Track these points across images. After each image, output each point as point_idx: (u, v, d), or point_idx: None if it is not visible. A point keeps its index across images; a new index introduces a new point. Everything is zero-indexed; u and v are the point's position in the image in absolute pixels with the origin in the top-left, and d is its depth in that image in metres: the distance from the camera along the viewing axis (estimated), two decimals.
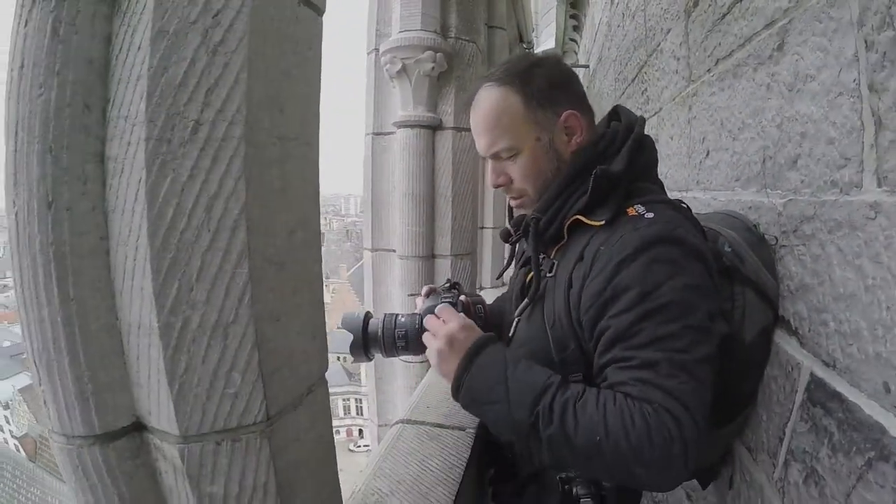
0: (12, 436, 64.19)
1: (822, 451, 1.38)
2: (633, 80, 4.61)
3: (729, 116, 2.15)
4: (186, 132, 1.01)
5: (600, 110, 1.86)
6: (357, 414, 70.89)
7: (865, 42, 1.21)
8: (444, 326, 1.73)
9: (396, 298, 4.70)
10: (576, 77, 1.88)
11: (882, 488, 1.14)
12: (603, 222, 1.59)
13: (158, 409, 1.10)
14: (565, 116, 1.76)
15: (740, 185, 2.01)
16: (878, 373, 1.17)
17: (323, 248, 1.53)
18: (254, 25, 1.04)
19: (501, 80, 1.77)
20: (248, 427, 1.13)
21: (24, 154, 1.00)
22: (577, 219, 1.67)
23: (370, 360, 2.07)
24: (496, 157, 1.80)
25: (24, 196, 1.00)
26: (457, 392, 1.64)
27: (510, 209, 2.04)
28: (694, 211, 1.73)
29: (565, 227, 1.70)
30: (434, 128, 4.48)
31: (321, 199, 1.37)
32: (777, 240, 1.69)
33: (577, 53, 14.20)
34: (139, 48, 1.00)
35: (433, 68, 4.25)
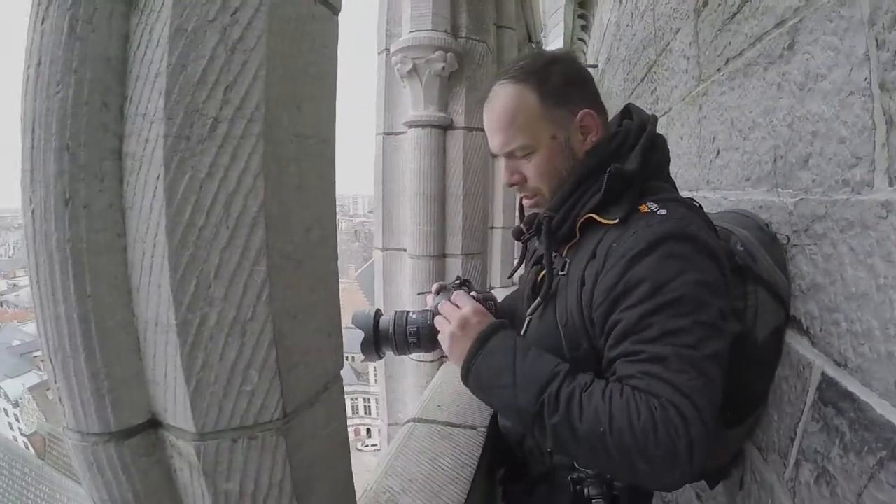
0: (21, 434, 64.36)
1: (833, 451, 1.37)
2: (642, 80, 4.60)
3: (739, 116, 2.14)
4: (205, 129, 1.01)
5: (609, 110, 1.86)
6: (365, 413, 70.90)
7: (876, 41, 1.21)
8: (457, 311, 1.75)
9: (407, 298, 4.70)
10: (590, 76, 1.87)
11: (894, 488, 1.14)
12: (616, 220, 1.58)
13: (175, 407, 1.10)
14: (581, 115, 1.76)
15: (751, 185, 2.01)
16: (890, 372, 1.17)
17: None
18: (272, 23, 1.05)
19: (517, 78, 1.76)
20: (265, 424, 1.13)
21: (42, 151, 1.00)
22: (590, 217, 1.66)
23: (381, 358, 2.06)
24: (511, 155, 1.79)
25: (41, 193, 1.01)
26: (466, 375, 1.65)
27: (521, 207, 2.03)
28: (704, 210, 1.72)
29: (578, 225, 1.70)
30: (445, 127, 4.48)
31: None
32: (789, 239, 1.68)
33: (585, 53, 14.17)
34: (157, 45, 1.00)
35: (444, 68, 4.25)
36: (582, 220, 1.68)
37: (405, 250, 4.70)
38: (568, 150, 1.76)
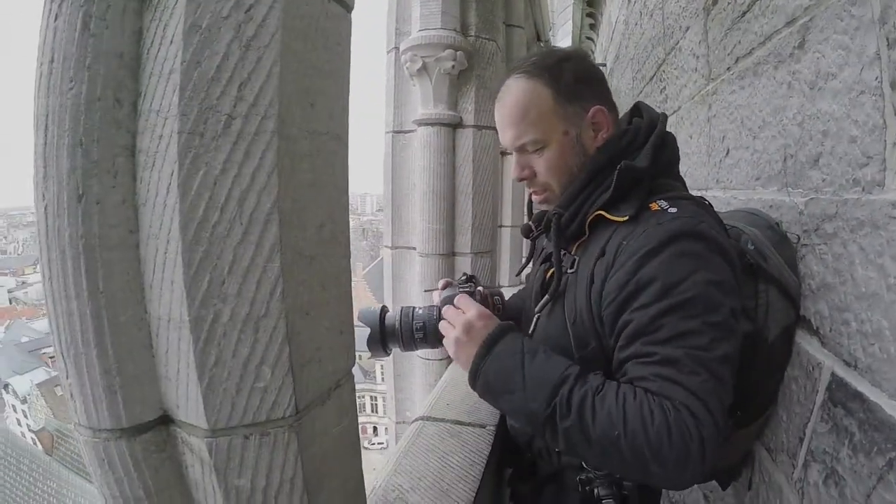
0: (30, 430, 64.50)
1: (842, 452, 1.38)
2: (651, 79, 4.60)
3: (749, 115, 2.14)
4: (219, 126, 1.01)
5: (618, 108, 1.86)
6: (372, 411, 70.87)
7: (887, 40, 1.21)
8: (461, 315, 1.73)
9: (416, 296, 4.70)
10: (602, 73, 1.87)
11: None
12: (626, 218, 1.58)
13: (187, 403, 1.10)
14: (593, 112, 1.76)
15: (761, 184, 2.01)
16: None
17: None
18: (286, 20, 1.05)
19: (530, 73, 1.76)
20: (277, 421, 1.13)
21: (55, 147, 1.00)
22: (600, 214, 1.66)
23: (388, 354, 2.06)
24: (522, 150, 1.79)
25: (54, 189, 1.01)
26: (474, 380, 1.64)
27: (530, 205, 2.03)
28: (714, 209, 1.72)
29: (587, 222, 1.69)
30: (454, 125, 4.48)
31: None
32: (799, 238, 1.68)
33: (593, 52, 14.16)
34: (171, 42, 1.01)
35: (453, 66, 4.25)
36: (591, 217, 1.68)
37: (415, 248, 4.71)
38: (579, 146, 1.76)
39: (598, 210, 1.66)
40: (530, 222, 1.95)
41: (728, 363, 1.41)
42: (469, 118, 4.47)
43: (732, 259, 1.53)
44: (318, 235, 1.21)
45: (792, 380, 1.69)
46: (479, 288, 2.06)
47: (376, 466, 2.35)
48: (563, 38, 16.19)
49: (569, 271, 1.73)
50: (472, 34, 4.41)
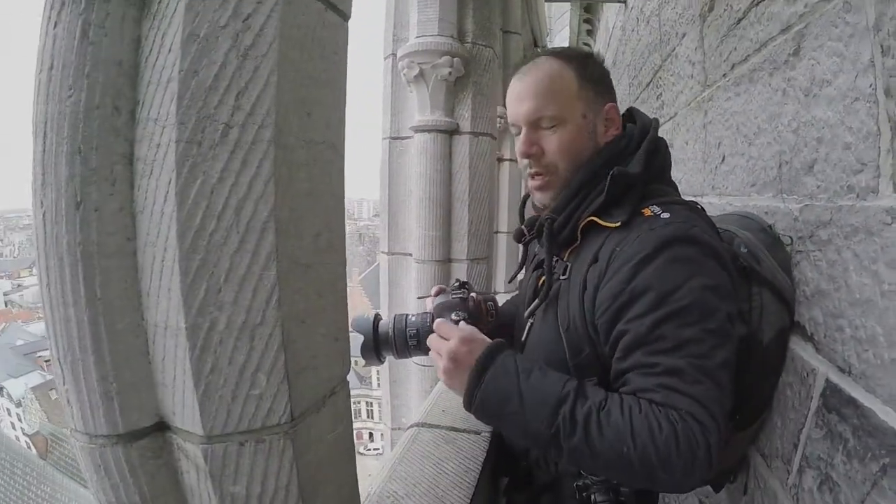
0: (24, 433, 64.34)
1: (836, 458, 1.38)
2: (647, 85, 4.61)
3: (745, 121, 2.15)
4: (217, 135, 1.02)
5: None
6: (367, 417, 70.64)
7: (881, 47, 1.22)
8: (444, 344, 1.68)
9: (412, 302, 4.68)
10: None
11: None
12: (619, 224, 1.59)
13: (183, 410, 1.10)
14: (609, 108, 1.79)
15: (756, 190, 2.02)
16: (894, 378, 1.17)
17: None
18: (283, 30, 1.05)
19: (560, 56, 1.79)
20: (272, 428, 1.13)
21: (53, 154, 1.01)
22: (592, 220, 1.66)
23: (382, 362, 2.06)
24: (535, 124, 1.76)
25: (52, 196, 1.01)
26: (469, 407, 1.61)
27: (522, 210, 2.05)
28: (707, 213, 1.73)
29: (579, 228, 1.70)
30: (451, 132, 4.47)
31: None
32: (792, 240, 1.69)
33: None
34: (170, 51, 1.01)
35: (450, 73, 4.25)
36: (583, 223, 1.68)
37: (411, 255, 4.69)
38: (592, 135, 1.77)
39: (590, 216, 1.66)
40: (523, 227, 1.94)
41: (727, 368, 1.42)
42: (466, 125, 4.45)
43: (726, 262, 1.54)
44: (315, 244, 1.22)
45: (786, 385, 1.70)
46: (473, 294, 2.04)
47: (372, 472, 2.35)
48: (560, 44, 16.17)
49: (561, 278, 1.74)
50: (469, 41, 4.40)
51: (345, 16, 1.29)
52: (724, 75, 2.44)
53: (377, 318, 2.02)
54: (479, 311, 2.01)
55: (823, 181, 1.50)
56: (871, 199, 1.27)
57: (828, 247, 1.48)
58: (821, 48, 1.51)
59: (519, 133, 1.82)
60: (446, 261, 4.56)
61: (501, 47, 5.56)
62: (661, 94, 4.00)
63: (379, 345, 1.98)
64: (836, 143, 1.42)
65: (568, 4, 13.32)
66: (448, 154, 4.47)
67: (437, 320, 1.81)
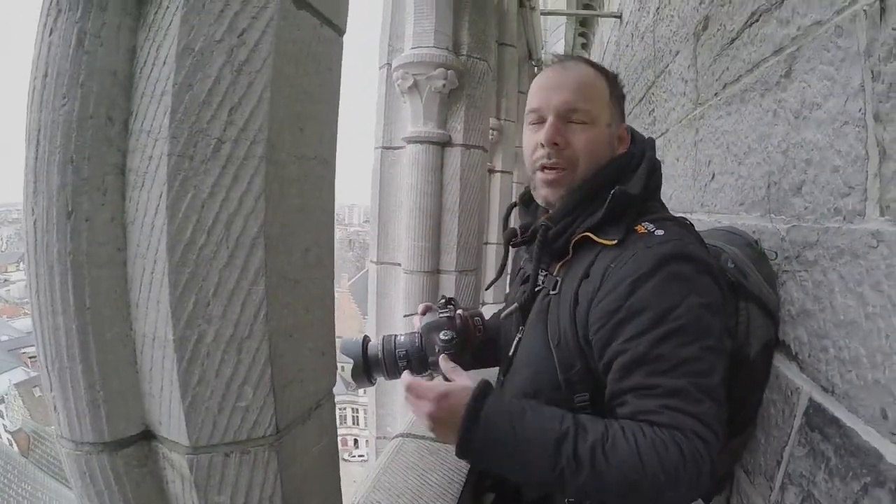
0: (6, 430, 63.90)
1: (818, 476, 1.39)
2: (640, 101, 4.63)
3: (735, 140, 2.16)
4: (209, 150, 1.02)
5: None
6: (353, 424, 70.45)
7: (872, 72, 1.23)
8: (422, 406, 1.61)
9: (400, 312, 4.66)
10: None
11: None
12: (615, 242, 1.58)
13: (169, 420, 1.11)
14: (624, 127, 1.83)
15: (744, 209, 2.03)
16: (877, 399, 1.19)
17: None
18: (278, 45, 1.06)
19: (594, 66, 1.82)
20: (258, 440, 1.13)
21: (45, 163, 1.01)
22: (586, 235, 1.66)
23: (373, 384, 2.05)
24: (565, 116, 1.74)
25: (44, 204, 1.01)
26: (465, 457, 1.56)
27: (507, 220, 2.07)
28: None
29: (572, 242, 1.70)
30: (443, 144, 4.46)
31: None
32: (776, 255, 1.71)
33: None
34: (164, 64, 1.01)
35: (444, 85, 4.24)
36: (577, 238, 1.68)
37: (399, 265, 4.68)
38: (611, 146, 1.79)
39: (585, 231, 1.66)
40: (516, 227, 1.92)
41: (723, 385, 1.44)
42: (458, 137, 4.44)
43: (719, 278, 1.55)
44: (304, 259, 1.22)
45: (770, 403, 1.71)
46: (459, 311, 2.04)
47: (356, 479, 2.34)
48: None
49: (551, 293, 1.73)
50: (465, 53, 4.39)
51: (340, 31, 1.29)
52: (715, 94, 2.45)
53: (366, 340, 2.01)
54: (466, 329, 2.02)
55: (811, 202, 1.51)
56: (857, 221, 1.28)
57: (814, 268, 1.49)
58: (812, 71, 1.52)
59: (537, 122, 1.80)
60: (435, 272, 4.54)
61: (496, 59, 5.58)
62: (653, 109, 4.02)
63: (370, 367, 1.97)
64: (825, 166, 1.44)
65: (563, 17, 13.36)
66: (439, 166, 4.46)
67: (407, 380, 1.73)
